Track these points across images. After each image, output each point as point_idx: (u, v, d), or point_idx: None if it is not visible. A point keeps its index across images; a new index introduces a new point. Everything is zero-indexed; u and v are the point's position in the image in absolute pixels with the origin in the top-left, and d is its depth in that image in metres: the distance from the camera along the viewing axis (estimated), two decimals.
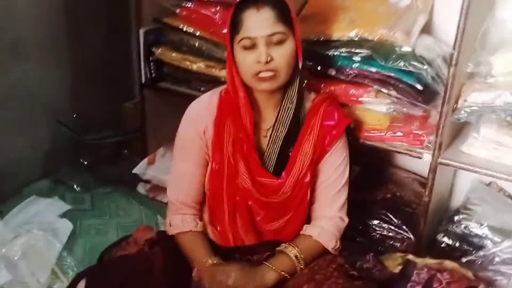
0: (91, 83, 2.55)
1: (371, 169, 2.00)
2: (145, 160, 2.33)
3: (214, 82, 2.01)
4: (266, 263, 1.48)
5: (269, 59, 1.43)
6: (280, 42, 1.45)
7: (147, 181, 2.37)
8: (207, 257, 1.51)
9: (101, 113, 2.61)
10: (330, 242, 1.56)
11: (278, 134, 1.56)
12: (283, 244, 1.54)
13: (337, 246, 1.58)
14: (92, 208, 2.21)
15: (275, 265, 1.47)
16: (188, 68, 2.07)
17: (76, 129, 2.39)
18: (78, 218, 2.10)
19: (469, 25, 1.51)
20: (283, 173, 1.56)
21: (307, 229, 1.58)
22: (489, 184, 1.92)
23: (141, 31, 2.12)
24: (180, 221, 1.61)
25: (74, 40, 2.39)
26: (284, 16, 1.45)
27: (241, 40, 1.45)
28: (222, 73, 1.98)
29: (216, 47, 1.99)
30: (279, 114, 1.56)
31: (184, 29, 2.03)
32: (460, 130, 1.80)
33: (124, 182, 2.44)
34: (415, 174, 2.06)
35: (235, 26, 1.46)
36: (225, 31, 1.85)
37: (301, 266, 1.50)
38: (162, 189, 2.32)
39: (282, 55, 1.45)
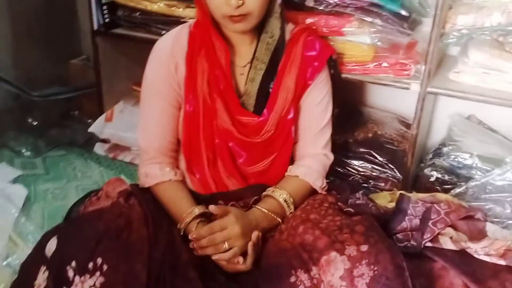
0: (33, 38, 2.32)
1: (349, 110, 1.91)
2: (102, 117, 2.14)
3: (177, 23, 1.81)
4: (258, 207, 1.37)
5: (240, 2, 1.28)
6: None
7: (105, 140, 2.18)
8: (192, 207, 1.38)
9: (46, 71, 2.39)
10: (317, 180, 1.48)
11: (257, 70, 1.43)
12: (270, 188, 1.44)
13: (324, 185, 1.51)
14: (46, 173, 2.03)
15: (266, 209, 1.37)
16: (146, 10, 1.88)
17: (21, 86, 2.16)
18: (31, 183, 1.93)
19: None
20: (265, 111, 1.44)
21: (292, 170, 1.49)
22: (468, 117, 1.89)
23: None
24: (159, 170, 1.46)
25: None
26: None
27: None
28: (187, 12, 1.81)
29: None
30: (257, 50, 1.42)
31: None
32: (441, 59, 1.74)
33: (78, 144, 2.25)
34: (392, 113, 2.00)
35: None
36: None
37: (291, 210, 1.40)
38: (123, 147, 2.15)
39: None
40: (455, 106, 1.88)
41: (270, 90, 1.44)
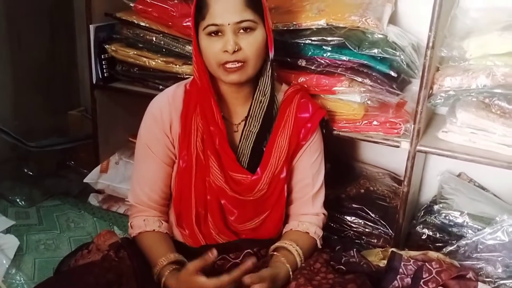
0: (34, 89, 2.37)
1: (341, 165, 1.94)
2: (97, 168, 2.15)
3: (174, 79, 1.89)
4: (280, 259, 1.36)
5: (237, 48, 1.33)
6: (249, 31, 1.36)
7: (99, 191, 2.19)
8: (167, 254, 1.37)
9: (45, 121, 2.44)
10: (320, 239, 1.50)
11: (251, 129, 1.46)
12: (284, 241, 1.43)
13: (322, 242, 1.51)
14: (39, 223, 2.03)
15: (288, 263, 1.36)
16: (145, 65, 1.93)
17: (18, 137, 2.19)
18: (24, 233, 1.92)
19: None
20: (258, 169, 1.46)
21: (301, 225, 1.49)
22: (459, 175, 1.91)
23: (92, 27, 1.96)
24: (142, 221, 1.48)
25: (14, 44, 2.25)
26: (254, 2, 1.37)
27: (206, 26, 1.35)
28: (184, 69, 1.86)
29: (175, 41, 1.87)
30: (251, 108, 1.46)
31: (140, 24, 1.90)
32: (430, 118, 1.78)
33: (72, 194, 2.26)
34: (383, 169, 2.03)
35: (200, 11, 1.36)
36: (185, 23, 1.80)
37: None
38: (117, 198, 2.16)
39: (251, 44, 1.36)
40: (445, 163, 1.90)
41: (264, 149, 1.47)
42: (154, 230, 1.46)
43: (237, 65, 1.35)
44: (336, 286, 1.28)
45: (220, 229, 1.47)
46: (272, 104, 1.46)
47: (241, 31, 1.34)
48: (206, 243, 1.48)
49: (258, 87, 1.45)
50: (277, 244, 1.43)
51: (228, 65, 1.35)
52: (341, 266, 1.39)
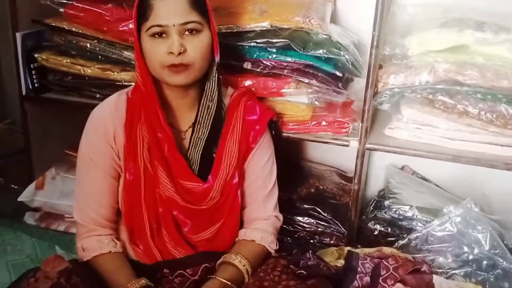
0: None
1: (289, 165, 1.93)
2: (32, 185, 2.01)
3: (112, 86, 1.80)
4: (217, 277, 1.32)
5: (182, 50, 1.29)
6: (195, 33, 1.32)
7: (35, 209, 2.05)
8: (132, 281, 1.31)
9: None
10: (272, 244, 1.47)
11: (199, 135, 1.42)
12: (229, 254, 1.39)
13: (277, 247, 1.49)
14: None
15: (226, 279, 1.31)
16: (79, 74, 1.82)
17: None
18: None
19: None
20: (209, 177, 1.42)
21: (247, 234, 1.46)
22: (402, 168, 1.96)
23: (18, 35, 1.83)
24: (96, 242, 1.39)
25: None
26: (199, 4, 1.33)
27: (150, 27, 1.29)
28: (122, 76, 1.79)
29: (111, 47, 1.78)
30: (199, 114, 1.42)
31: (72, 30, 1.79)
32: (373, 114, 1.81)
33: (5, 214, 2.10)
34: (330, 166, 2.04)
35: (143, 12, 1.30)
36: (122, 28, 1.72)
37: (249, 279, 1.37)
38: (56, 215, 2.04)
39: (197, 46, 1.32)
40: (389, 157, 1.94)
41: (214, 155, 1.43)
42: (110, 251, 1.38)
43: (182, 67, 1.31)
44: None
45: (176, 241, 1.42)
46: (220, 109, 1.42)
47: (187, 33, 1.30)
48: (163, 259, 1.42)
49: (204, 93, 1.41)
50: (222, 258, 1.39)
51: (173, 67, 1.31)
52: (302, 271, 1.38)
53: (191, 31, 1.31)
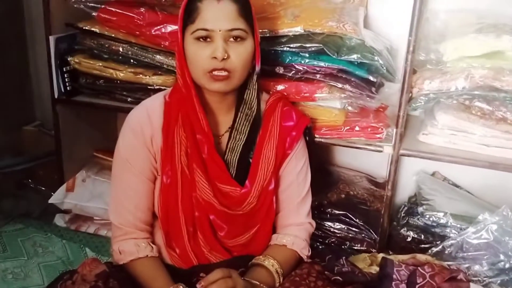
0: None
1: (319, 170, 1.92)
2: (63, 187, 2.03)
3: (144, 90, 1.82)
4: (248, 279, 1.31)
5: (226, 56, 1.29)
6: (239, 40, 1.32)
7: (65, 211, 2.07)
8: (170, 287, 1.31)
9: None
10: (304, 249, 1.47)
11: (236, 141, 1.42)
12: (259, 256, 1.40)
13: (309, 253, 1.49)
14: (3, 250, 1.87)
15: (257, 280, 1.31)
16: (111, 77, 1.83)
17: None
18: None
19: None
20: (247, 182, 1.42)
21: (279, 238, 1.46)
22: (433, 174, 1.94)
23: (51, 39, 1.84)
24: (133, 246, 1.39)
25: None
26: (246, 12, 1.33)
27: (196, 30, 1.30)
28: (154, 80, 1.79)
29: (144, 51, 1.79)
30: (236, 121, 1.42)
31: (104, 33, 1.80)
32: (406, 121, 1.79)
33: (34, 215, 2.12)
34: (360, 171, 2.03)
35: (189, 14, 1.31)
36: (154, 32, 1.72)
37: (280, 281, 1.37)
38: (85, 218, 2.06)
39: (240, 54, 1.32)
40: (419, 163, 1.92)
41: (250, 160, 1.43)
42: (147, 255, 1.38)
43: (224, 73, 1.31)
44: None
45: (211, 246, 1.42)
46: (258, 116, 1.42)
47: (231, 39, 1.31)
48: (198, 263, 1.42)
49: (244, 100, 1.42)
50: (253, 261, 1.39)
51: (215, 73, 1.31)
52: (337, 277, 1.37)
53: (235, 38, 1.31)
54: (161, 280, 1.34)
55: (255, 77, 1.40)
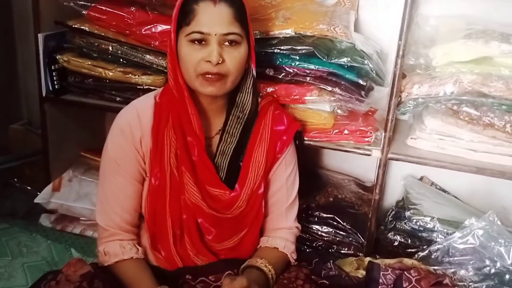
0: None
1: (307, 173, 1.91)
2: (49, 187, 2.01)
3: (133, 90, 1.80)
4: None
5: (220, 60, 1.28)
6: (234, 44, 1.31)
7: (51, 211, 2.05)
8: (154, 285, 1.31)
9: None
10: (293, 253, 1.48)
11: (227, 144, 1.41)
12: (255, 259, 1.39)
13: (296, 256, 1.48)
14: None
15: (255, 282, 1.30)
16: (100, 76, 1.81)
17: None
18: None
19: None
20: (236, 186, 1.41)
21: (270, 241, 1.46)
22: (421, 179, 1.95)
23: (40, 36, 1.82)
24: (119, 247, 1.38)
25: None
26: (241, 16, 1.33)
27: (191, 33, 1.29)
28: (144, 79, 1.78)
29: (134, 50, 1.77)
30: (228, 124, 1.42)
31: (94, 32, 1.78)
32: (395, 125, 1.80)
33: (19, 215, 2.10)
34: (348, 175, 2.03)
35: (185, 15, 1.29)
36: (144, 31, 1.71)
37: (272, 284, 1.36)
38: (71, 218, 2.04)
39: (235, 58, 1.31)
40: (407, 167, 1.93)
41: (241, 164, 1.42)
42: (132, 257, 1.37)
43: (217, 77, 1.30)
44: None
45: (198, 249, 1.41)
46: (251, 120, 1.42)
47: (226, 43, 1.30)
48: (184, 265, 1.41)
49: (236, 103, 1.42)
50: (247, 262, 1.39)
51: (208, 76, 1.30)
52: (324, 281, 1.37)
53: (230, 42, 1.31)
54: (146, 282, 1.33)
55: (249, 81, 1.40)
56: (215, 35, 1.27)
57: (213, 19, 1.27)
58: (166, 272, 1.41)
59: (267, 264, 1.35)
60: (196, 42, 1.29)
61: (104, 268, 1.39)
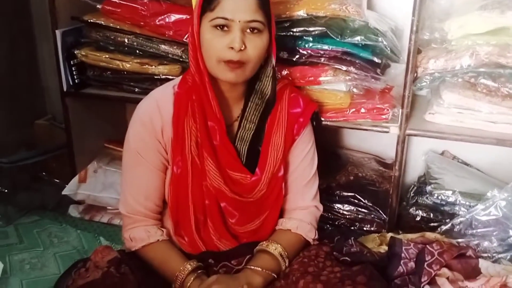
0: None
1: (327, 153, 1.93)
2: (75, 179, 2.07)
3: (150, 80, 1.84)
4: (249, 266, 1.35)
5: (243, 47, 1.29)
6: (256, 32, 1.32)
7: (78, 202, 2.11)
8: (184, 263, 1.35)
9: (10, 134, 2.31)
10: (310, 232, 1.48)
11: (246, 130, 1.43)
12: (263, 242, 1.42)
13: (316, 236, 1.50)
14: (19, 241, 1.92)
15: (259, 266, 1.34)
16: (118, 69, 1.85)
17: None
18: (5, 254, 1.80)
19: None
20: (257, 170, 1.43)
21: (284, 223, 1.48)
22: (442, 153, 1.94)
23: (58, 33, 1.86)
24: (144, 232, 1.42)
25: None
26: (265, 5, 1.33)
27: (214, 18, 1.29)
28: (160, 69, 1.81)
29: (149, 41, 1.81)
30: (246, 110, 1.43)
31: (110, 26, 1.82)
32: (412, 101, 1.79)
33: (49, 207, 2.16)
34: (368, 153, 2.04)
35: (209, 1, 1.30)
36: (159, 22, 1.74)
37: (286, 264, 1.39)
38: (98, 208, 2.10)
39: (256, 46, 1.32)
40: (428, 143, 1.93)
41: (260, 148, 1.44)
42: (158, 240, 1.41)
43: (238, 64, 1.31)
44: (345, 279, 1.27)
45: (221, 233, 1.44)
46: (271, 106, 1.43)
47: (248, 30, 1.30)
48: (207, 249, 1.45)
49: (255, 90, 1.43)
50: (258, 246, 1.41)
51: (230, 63, 1.31)
52: (346, 257, 1.39)
53: (253, 30, 1.31)
54: (175, 260, 1.38)
55: (269, 70, 1.40)
56: (239, 21, 1.28)
57: (238, 6, 1.28)
58: (190, 255, 1.44)
59: (276, 246, 1.38)
60: (219, 27, 1.29)
61: (131, 253, 1.43)
